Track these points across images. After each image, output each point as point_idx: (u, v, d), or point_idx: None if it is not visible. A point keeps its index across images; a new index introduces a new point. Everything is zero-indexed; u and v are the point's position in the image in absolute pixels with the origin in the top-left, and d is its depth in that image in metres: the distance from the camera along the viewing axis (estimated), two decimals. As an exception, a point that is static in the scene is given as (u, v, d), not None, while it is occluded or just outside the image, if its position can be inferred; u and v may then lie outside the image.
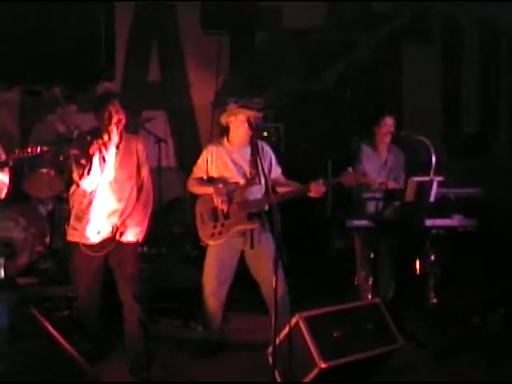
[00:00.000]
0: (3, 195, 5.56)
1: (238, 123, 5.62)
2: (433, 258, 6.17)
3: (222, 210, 5.58)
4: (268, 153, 5.80)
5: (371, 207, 6.44)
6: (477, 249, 6.73)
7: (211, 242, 5.65)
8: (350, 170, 5.45)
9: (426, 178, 5.87)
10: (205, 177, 5.74)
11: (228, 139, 5.74)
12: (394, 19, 9.24)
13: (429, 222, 5.89)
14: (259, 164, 5.28)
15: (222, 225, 5.60)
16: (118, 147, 5.09)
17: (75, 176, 5.05)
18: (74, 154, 5.08)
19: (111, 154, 5.06)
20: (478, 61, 9.84)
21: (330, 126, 8.50)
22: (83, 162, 4.98)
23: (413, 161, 6.83)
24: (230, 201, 5.58)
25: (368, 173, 6.44)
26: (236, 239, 5.63)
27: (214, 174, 5.69)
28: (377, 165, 6.62)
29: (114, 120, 4.99)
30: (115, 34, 3.07)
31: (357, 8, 9.24)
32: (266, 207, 5.56)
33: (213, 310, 5.71)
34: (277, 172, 5.82)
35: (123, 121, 5.07)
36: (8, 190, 5.46)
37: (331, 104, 8.76)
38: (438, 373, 5.34)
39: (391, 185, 6.44)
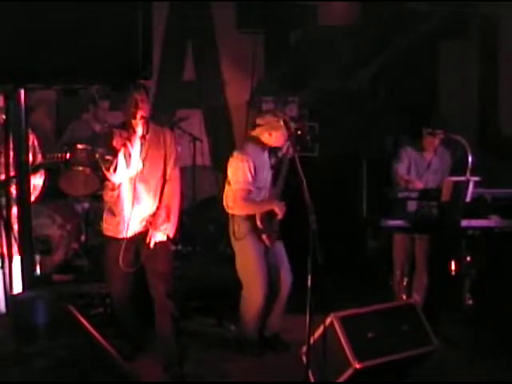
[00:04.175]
0: (33, 198, 5.52)
1: (274, 138, 5.52)
2: (468, 258, 6.10)
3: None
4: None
5: (406, 207, 6.40)
6: (513, 250, 6.66)
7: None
8: None
9: (463, 178, 5.81)
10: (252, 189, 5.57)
11: (256, 143, 5.60)
12: (430, 18, 9.14)
13: (465, 223, 5.81)
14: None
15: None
16: (144, 138, 5.01)
17: (103, 170, 5.05)
18: (99, 151, 5.20)
19: (136, 148, 4.99)
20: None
21: (364, 126, 8.45)
22: (108, 157, 4.95)
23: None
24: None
25: (403, 173, 6.43)
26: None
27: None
28: (419, 166, 6.58)
29: (140, 113, 4.91)
30: (152, 32, 3.09)
31: (392, 6, 9.17)
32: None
33: (259, 313, 5.64)
34: None
35: (148, 111, 4.98)
36: (40, 192, 5.45)
37: (366, 103, 8.72)
38: (472, 375, 5.29)
39: (417, 184, 6.39)
